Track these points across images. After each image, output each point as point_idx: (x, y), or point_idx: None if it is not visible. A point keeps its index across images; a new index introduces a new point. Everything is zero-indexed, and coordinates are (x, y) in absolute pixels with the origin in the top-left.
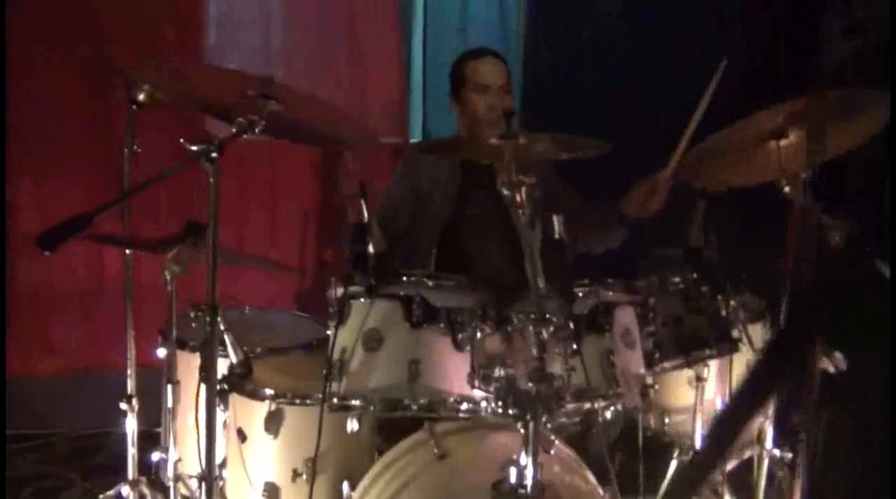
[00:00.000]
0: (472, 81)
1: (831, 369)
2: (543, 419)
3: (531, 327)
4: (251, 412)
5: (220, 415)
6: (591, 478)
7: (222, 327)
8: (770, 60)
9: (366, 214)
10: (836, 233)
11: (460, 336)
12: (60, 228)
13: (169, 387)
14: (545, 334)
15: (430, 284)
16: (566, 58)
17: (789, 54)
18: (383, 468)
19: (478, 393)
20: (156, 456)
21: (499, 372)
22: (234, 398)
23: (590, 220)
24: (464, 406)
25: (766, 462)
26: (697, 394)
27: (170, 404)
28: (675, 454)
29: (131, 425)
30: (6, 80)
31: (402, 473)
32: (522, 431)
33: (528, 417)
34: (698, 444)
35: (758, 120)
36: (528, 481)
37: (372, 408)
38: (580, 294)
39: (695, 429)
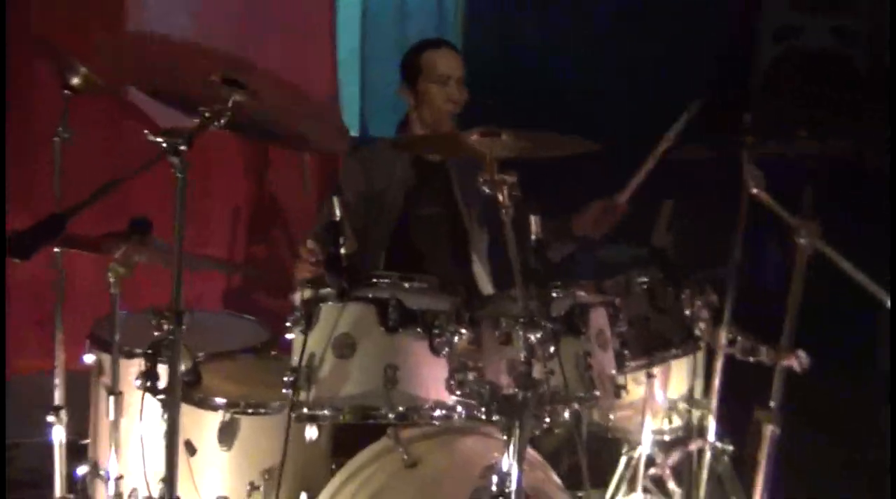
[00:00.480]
0: (431, 72)
1: (796, 367)
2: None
3: (520, 332)
4: (201, 423)
5: (162, 426)
6: (558, 480)
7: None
8: (706, 60)
9: (338, 214)
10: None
11: (437, 340)
12: (33, 233)
13: (111, 399)
14: (533, 339)
15: (406, 286)
16: (503, 49)
17: (723, 55)
18: (347, 478)
19: (455, 399)
20: (82, 470)
21: (479, 377)
22: (182, 408)
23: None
24: (438, 413)
25: (708, 454)
26: (648, 390)
27: (111, 417)
28: (625, 450)
29: (59, 437)
30: (6, 80)
31: (370, 483)
32: (505, 437)
33: (516, 424)
34: (646, 439)
35: None
36: (512, 489)
37: (343, 417)
38: (556, 296)
39: (643, 424)
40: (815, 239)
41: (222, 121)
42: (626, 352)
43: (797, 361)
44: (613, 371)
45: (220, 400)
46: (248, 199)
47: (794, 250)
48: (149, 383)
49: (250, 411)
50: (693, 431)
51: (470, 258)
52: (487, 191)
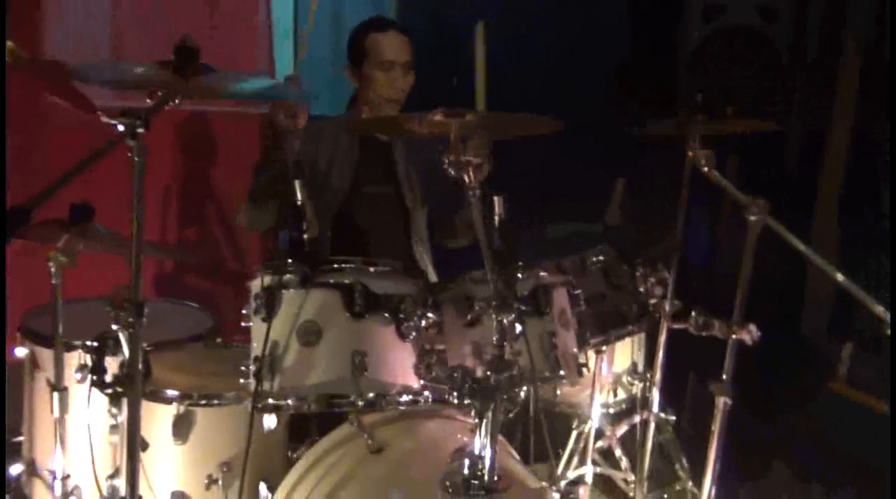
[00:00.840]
0: (375, 57)
1: (747, 340)
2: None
3: (493, 314)
4: (153, 417)
5: (108, 420)
6: (517, 456)
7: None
8: (635, 39)
9: (299, 197)
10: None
11: (405, 325)
12: None
13: (55, 395)
14: (506, 321)
15: (371, 270)
16: (437, 24)
17: (653, 34)
18: (311, 465)
19: (424, 384)
20: (16, 469)
21: (442, 360)
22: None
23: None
24: (406, 398)
25: (652, 425)
26: (597, 365)
27: (56, 413)
28: (574, 425)
29: None
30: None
31: (335, 469)
32: (476, 420)
33: (490, 407)
34: (595, 413)
35: None
36: (486, 471)
37: (309, 406)
38: (520, 277)
39: (592, 398)
40: (765, 215)
41: (177, 100)
42: (587, 331)
43: (748, 334)
44: (575, 350)
45: (172, 392)
46: (178, 177)
47: (724, 228)
48: (95, 377)
49: (204, 402)
50: (637, 402)
51: (411, 239)
52: (453, 173)
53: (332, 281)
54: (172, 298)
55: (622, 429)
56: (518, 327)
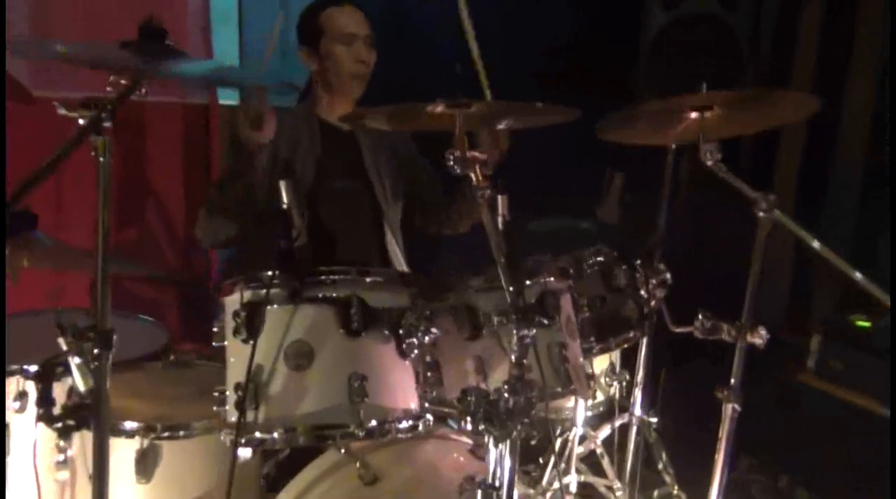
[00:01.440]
0: (335, 31)
1: (759, 344)
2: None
3: (514, 330)
4: (111, 453)
5: (55, 456)
6: None
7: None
8: (595, 28)
9: (285, 200)
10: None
11: (407, 342)
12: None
13: None
14: (528, 337)
15: (368, 281)
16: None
17: (614, 22)
18: None
19: (429, 408)
20: None
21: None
22: (83, 436)
23: (451, 202)
24: (406, 424)
25: (634, 428)
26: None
27: None
28: (558, 432)
29: None
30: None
31: None
32: (493, 449)
33: (511, 434)
34: (580, 418)
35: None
36: None
37: (300, 439)
38: (527, 283)
39: (577, 405)
40: (775, 211)
41: (143, 91)
42: (592, 338)
43: (759, 338)
44: (582, 360)
45: (132, 424)
46: (115, 175)
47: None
48: (42, 410)
49: (170, 434)
50: (615, 404)
51: (384, 235)
52: (458, 170)
53: (323, 295)
54: (117, 308)
55: (604, 432)
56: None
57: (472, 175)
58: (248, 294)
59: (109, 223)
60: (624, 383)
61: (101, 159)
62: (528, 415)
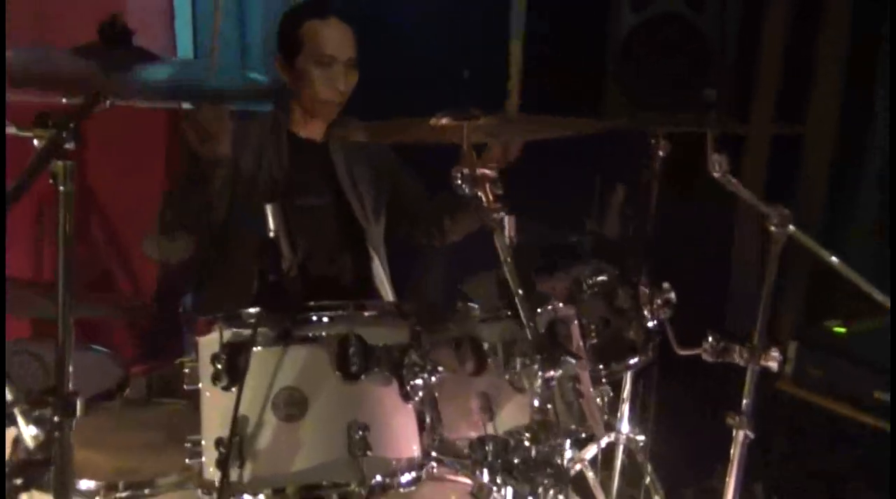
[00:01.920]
0: (314, 50)
1: (773, 367)
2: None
3: (538, 370)
4: None
5: None
6: None
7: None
8: (565, 31)
9: (272, 226)
10: None
11: (412, 384)
12: None
13: None
14: (555, 379)
15: (365, 315)
16: None
17: (583, 24)
18: None
19: (436, 457)
20: None
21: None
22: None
23: (442, 212)
24: (410, 476)
25: (621, 446)
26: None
27: None
28: None
29: None
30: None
31: None
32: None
33: (539, 488)
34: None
35: None
36: None
37: None
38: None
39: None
40: (788, 224)
41: (108, 102)
42: (600, 366)
43: (774, 360)
44: (592, 391)
45: (89, 484)
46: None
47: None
48: None
49: (129, 493)
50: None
51: (367, 258)
52: (467, 190)
53: (316, 334)
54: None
55: (591, 452)
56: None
57: (483, 195)
58: (228, 334)
59: (73, 262)
60: (607, 398)
61: (62, 188)
62: (553, 464)
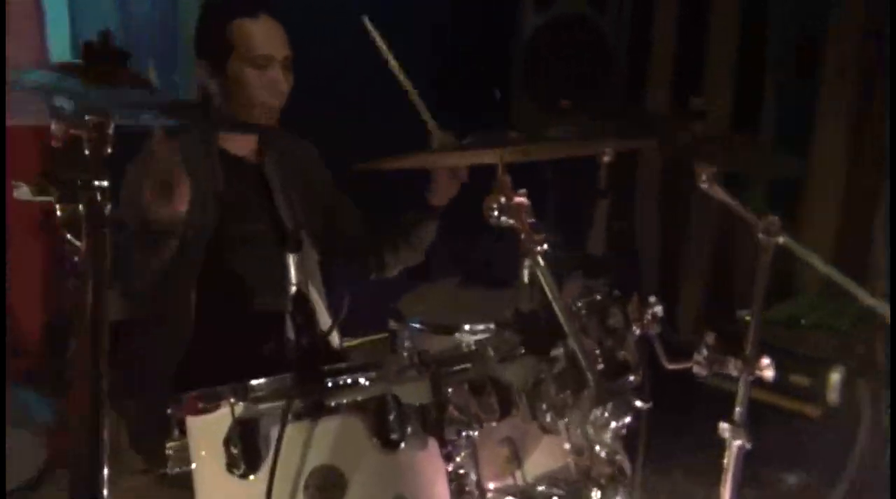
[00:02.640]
0: (247, 50)
1: (768, 377)
2: None
3: (609, 420)
4: None
5: None
6: None
7: None
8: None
9: (294, 276)
10: None
11: (454, 443)
12: None
13: None
14: (608, 440)
15: (395, 370)
16: None
17: (490, 25)
18: None
19: None
20: None
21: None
22: None
23: (384, 246)
24: None
25: None
26: None
27: None
28: None
29: None
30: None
31: None
32: None
33: None
34: None
35: None
36: None
37: None
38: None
39: None
40: (778, 234)
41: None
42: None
43: (768, 370)
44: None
45: None
46: None
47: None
48: None
49: None
50: None
51: (304, 284)
52: (503, 220)
53: (349, 400)
54: None
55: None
56: None
57: (519, 225)
58: (240, 408)
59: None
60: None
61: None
62: None
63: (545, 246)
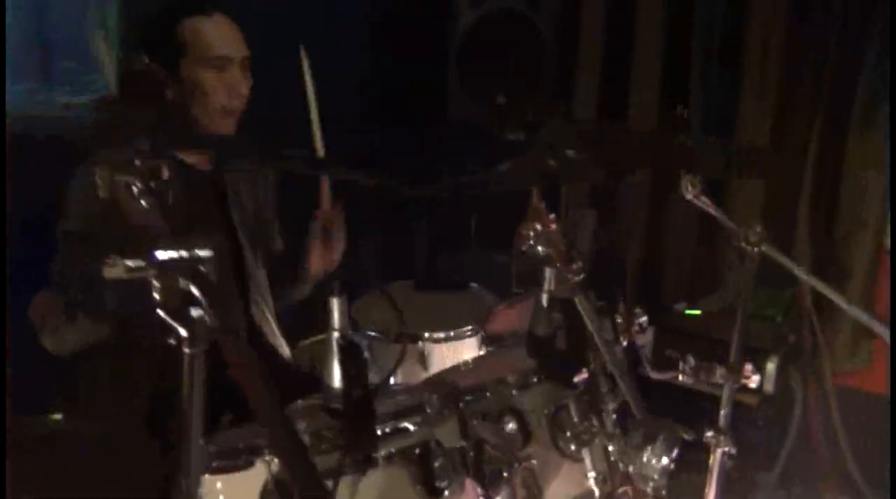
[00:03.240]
0: (203, 52)
1: (752, 385)
2: None
3: (659, 456)
4: None
5: None
6: None
7: None
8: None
9: (338, 323)
10: None
11: (492, 483)
12: None
13: None
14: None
15: (428, 411)
16: None
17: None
18: None
19: None
20: None
21: None
22: None
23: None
24: None
25: None
26: None
27: None
28: None
29: None
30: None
31: None
32: None
33: None
34: None
35: None
36: None
37: None
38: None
39: None
40: (762, 243)
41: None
42: None
43: (751, 378)
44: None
45: None
46: None
47: None
48: None
49: None
50: None
51: (250, 302)
52: (541, 250)
53: (398, 447)
54: None
55: None
56: None
57: (555, 255)
58: (276, 465)
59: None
60: None
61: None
62: None
63: (581, 276)
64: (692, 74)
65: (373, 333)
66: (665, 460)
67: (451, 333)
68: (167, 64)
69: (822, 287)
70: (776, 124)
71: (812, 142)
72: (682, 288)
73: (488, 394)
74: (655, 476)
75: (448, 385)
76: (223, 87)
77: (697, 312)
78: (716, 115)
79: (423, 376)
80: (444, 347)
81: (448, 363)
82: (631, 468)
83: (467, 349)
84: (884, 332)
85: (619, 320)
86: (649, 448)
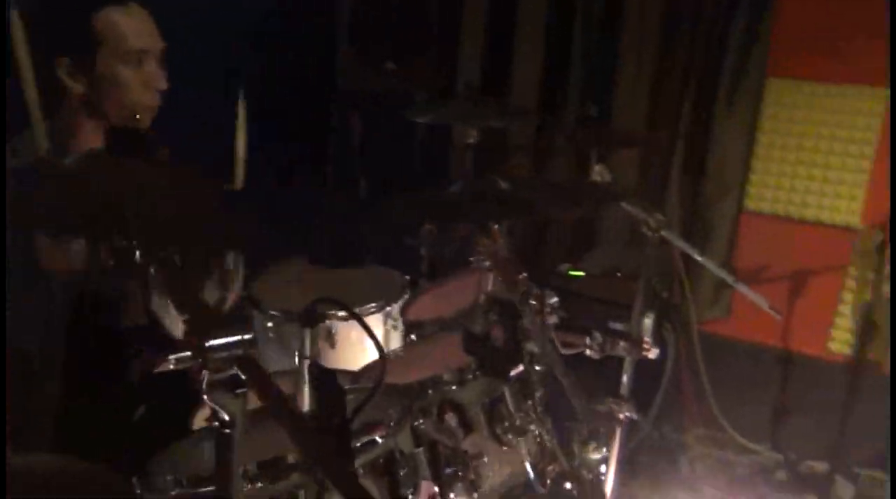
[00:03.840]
0: (118, 44)
1: (652, 356)
2: None
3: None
4: None
5: None
6: None
7: None
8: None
9: (308, 352)
10: None
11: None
12: None
13: None
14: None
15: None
16: None
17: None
18: None
19: None
20: None
21: None
22: None
23: None
24: None
25: None
26: None
27: None
28: None
29: None
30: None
31: None
32: None
33: None
34: None
35: None
36: None
37: None
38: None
39: None
40: (662, 229)
41: None
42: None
43: (650, 350)
44: None
45: None
46: None
47: None
48: None
49: None
50: None
51: (148, 297)
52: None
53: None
54: None
55: None
56: None
57: (501, 271)
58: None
59: None
60: None
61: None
62: None
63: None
64: (573, 44)
65: (276, 313)
66: (605, 450)
67: (357, 311)
68: (78, 54)
69: (720, 272)
70: (651, 97)
71: (683, 114)
72: (561, 247)
73: (430, 392)
74: (597, 466)
75: (399, 393)
76: (142, 83)
77: (581, 273)
78: (596, 86)
79: (332, 354)
80: (351, 325)
81: (355, 341)
82: (576, 463)
83: (374, 326)
84: (743, 287)
85: (532, 302)
86: (593, 443)
